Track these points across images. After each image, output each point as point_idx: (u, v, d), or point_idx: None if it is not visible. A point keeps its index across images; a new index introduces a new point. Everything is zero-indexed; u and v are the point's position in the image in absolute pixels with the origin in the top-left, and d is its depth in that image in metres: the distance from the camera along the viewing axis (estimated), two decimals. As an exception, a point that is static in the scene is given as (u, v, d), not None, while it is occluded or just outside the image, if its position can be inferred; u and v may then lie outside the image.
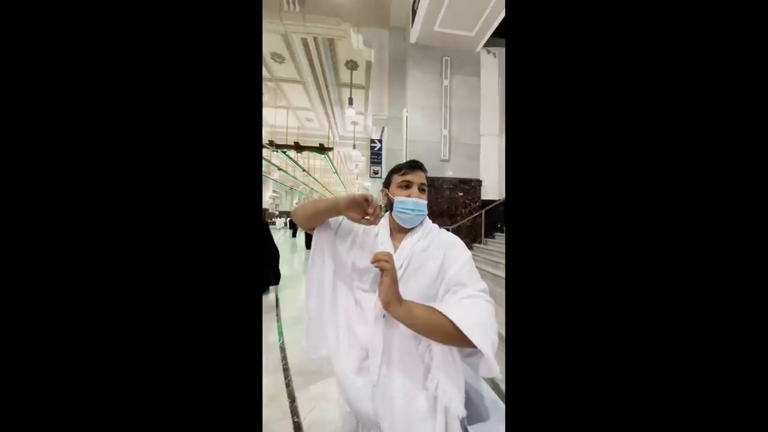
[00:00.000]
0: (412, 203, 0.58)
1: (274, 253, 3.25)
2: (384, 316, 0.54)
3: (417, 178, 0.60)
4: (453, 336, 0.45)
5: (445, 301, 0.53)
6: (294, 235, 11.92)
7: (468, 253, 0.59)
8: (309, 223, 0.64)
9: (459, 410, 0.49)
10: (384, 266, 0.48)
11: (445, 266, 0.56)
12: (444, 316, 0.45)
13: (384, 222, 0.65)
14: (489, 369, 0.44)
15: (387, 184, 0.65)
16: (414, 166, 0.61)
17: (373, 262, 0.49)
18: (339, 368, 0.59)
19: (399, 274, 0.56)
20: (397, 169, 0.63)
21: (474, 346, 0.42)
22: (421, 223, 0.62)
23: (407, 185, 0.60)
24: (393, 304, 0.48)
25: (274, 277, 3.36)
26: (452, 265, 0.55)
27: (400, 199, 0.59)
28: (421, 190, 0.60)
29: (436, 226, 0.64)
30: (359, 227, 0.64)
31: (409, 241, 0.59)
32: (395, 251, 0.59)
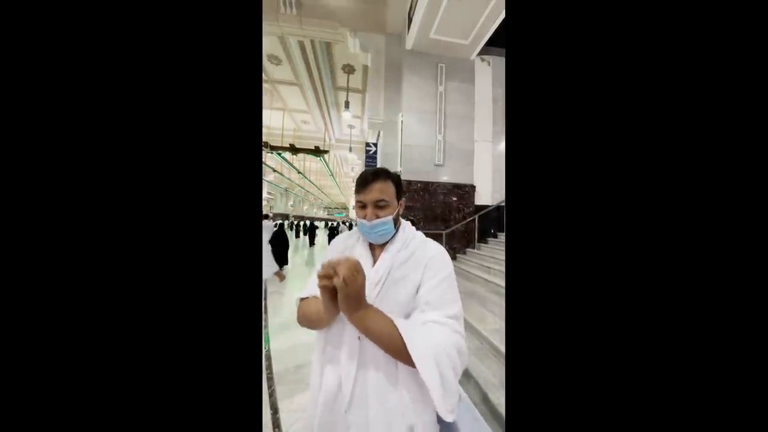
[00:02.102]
0: (367, 227, 0.55)
1: (285, 243, 4.61)
2: (359, 338, 0.50)
3: (370, 195, 0.55)
4: (404, 359, 0.43)
5: (411, 319, 0.50)
6: (297, 236, 11.94)
7: (448, 269, 0.55)
8: (317, 327, 0.57)
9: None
10: (326, 285, 0.43)
11: (423, 281, 0.53)
12: (400, 336, 0.43)
13: (358, 236, 0.62)
14: (439, 408, 0.41)
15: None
16: (366, 182, 0.55)
17: (322, 276, 0.43)
18: (314, 389, 0.55)
19: (378, 288, 0.53)
20: (356, 185, 0.58)
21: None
22: (400, 231, 0.59)
23: (362, 206, 0.56)
24: (350, 312, 0.45)
25: (285, 261, 4.76)
26: (427, 282, 0.52)
27: (360, 222, 0.56)
28: (379, 206, 0.55)
29: (419, 233, 0.61)
30: (341, 248, 0.62)
31: (388, 253, 0.56)
32: (374, 263, 0.57)
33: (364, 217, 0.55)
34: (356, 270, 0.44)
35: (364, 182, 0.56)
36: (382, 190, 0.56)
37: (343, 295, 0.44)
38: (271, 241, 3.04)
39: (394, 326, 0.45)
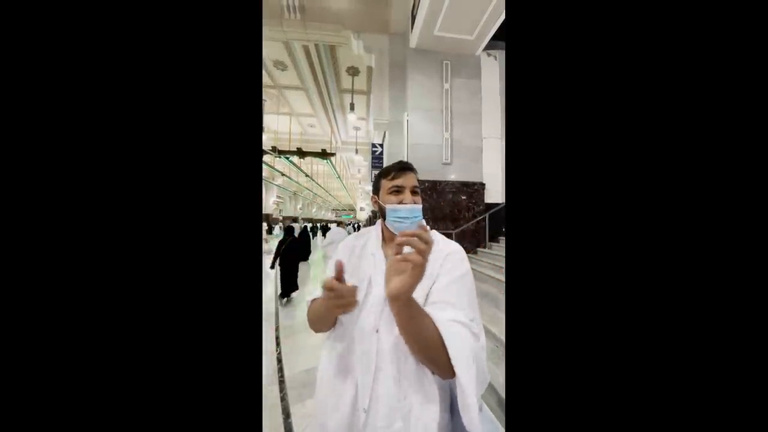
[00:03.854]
0: (406, 210, 0.53)
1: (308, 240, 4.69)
2: (377, 331, 0.48)
3: (408, 180, 0.55)
4: (438, 362, 0.40)
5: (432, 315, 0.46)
6: (314, 236, 12.48)
7: (464, 268, 0.51)
8: (322, 329, 0.56)
9: None
10: (420, 246, 0.36)
11: (439, 275, 0.50)
12: (440, 337, 0.40)
13: (375, 230, 0.60)
14: (469, 421, 0.38)
15: (376, 189, 0.59)
16: (403, 167, 0.56)
17: (402, 239, 0.37)
18: (325, 392, 0.53)
19: None
20: (385, 173, 0.57)
21: (448, 374, 0.39)
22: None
23: (398, 190, 0.54)
24: (408, 294, 0.39)
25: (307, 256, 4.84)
26: (444, 276, 0.49)
27: (393, 207, 0.53)
28: (414, 192, 0.55)
29: (434, 231, 0.59)
30: (350, 247, 0.60)
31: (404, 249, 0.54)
32: (387, 261, 0.54)
33: (400, 202, 0.53)
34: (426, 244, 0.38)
35: (401, 168, 0.56)
36: (414, 178, 0.56)
37: (413, 271, 0.38)
38: (296, 241, 3.54)
39: (436, 330, 0.41)
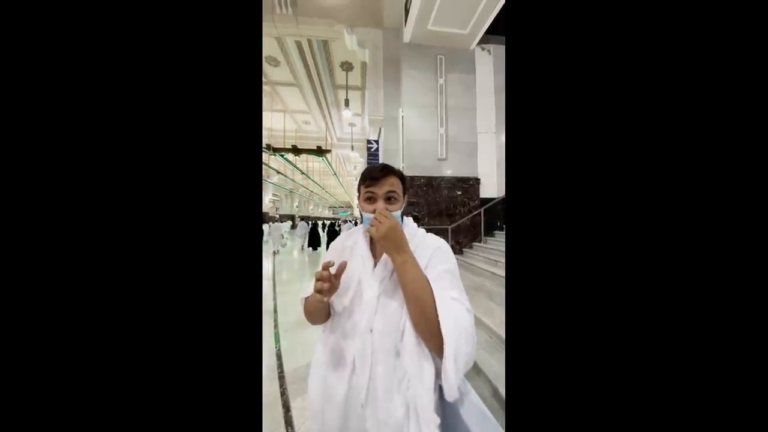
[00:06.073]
0: None
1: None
2: (371, 330, 0.50)
3: (382, 188, 0.55)
4: (429, 323, 0.45)
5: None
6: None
7: (452, 262, 0.54)
8: (317, 321, 0.60)
9: (429, 417, 0.46)
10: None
11: (427, 268, 0.52)
12: (432, 299, 0.45)
13: (363, 231, 0.61)
14: (446, 383, 0.42)
15: (358, 194, 0.60)
16: (376, 177, 0.55)
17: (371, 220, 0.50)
18: (320, 386, 0.55)
19: (381, 286, 0.53)
20: (362, 179, 0.57)
21: (439, 344, 0.43)
22: (403, 227, 0.58)
23: (371, 198, 0.55)
24: (401, 251, 0.49)
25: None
26: (432, 269, 0.52)
27: (367, 216, 0.55)
28: (390, 199, 0.56)
29: (422, 230, 0.61)
30: (339, 250, 0.62)
31: None
32: (376, 262, 0.56)
33: (374, 211, 0.54)
34: (390, 225, 0.50)
35: (375, 174, 0.56)
36: (393, 183, 0.56)
37: (383, 241, 0.49)
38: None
39: (428, 284, 0.48)
